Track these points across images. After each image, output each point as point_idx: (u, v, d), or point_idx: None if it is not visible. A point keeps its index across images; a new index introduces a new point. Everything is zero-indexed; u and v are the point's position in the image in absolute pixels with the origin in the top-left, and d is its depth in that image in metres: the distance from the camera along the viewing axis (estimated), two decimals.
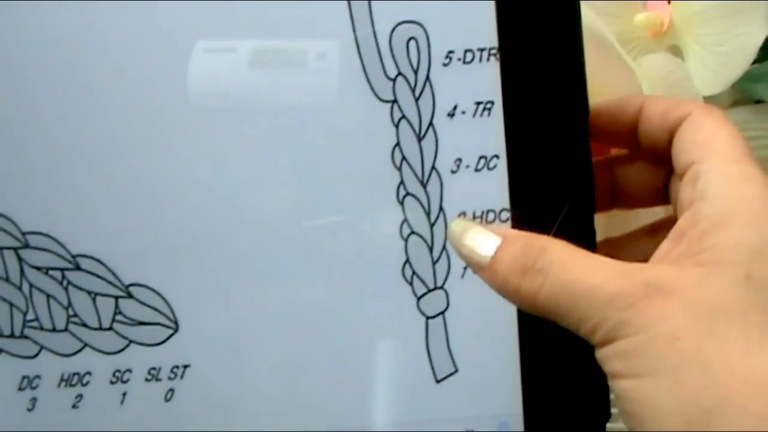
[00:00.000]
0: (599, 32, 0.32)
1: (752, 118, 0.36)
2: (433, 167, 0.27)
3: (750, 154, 0.24)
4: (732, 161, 0.23)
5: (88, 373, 0.28)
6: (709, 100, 0.34)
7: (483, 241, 0.24)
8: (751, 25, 0.33)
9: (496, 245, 0.23)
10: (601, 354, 0.22)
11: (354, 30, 0.26)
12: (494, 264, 0.23)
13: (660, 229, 0.30)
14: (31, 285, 0.28)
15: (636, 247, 0.30)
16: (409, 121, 0.26)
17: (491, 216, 0.27)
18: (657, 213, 0.31)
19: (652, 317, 0.21)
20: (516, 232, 0.24)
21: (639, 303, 0.21)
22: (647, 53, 0.35)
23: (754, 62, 0.34)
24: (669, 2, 0.36)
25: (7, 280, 0.28)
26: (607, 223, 0.31)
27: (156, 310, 0.27)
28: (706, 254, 0.22)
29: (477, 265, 0.24)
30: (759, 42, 0.33)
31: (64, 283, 0.27)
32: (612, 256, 0.27)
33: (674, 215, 0.30)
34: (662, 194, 0.29)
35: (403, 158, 0.27)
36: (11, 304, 0.28)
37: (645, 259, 0.30)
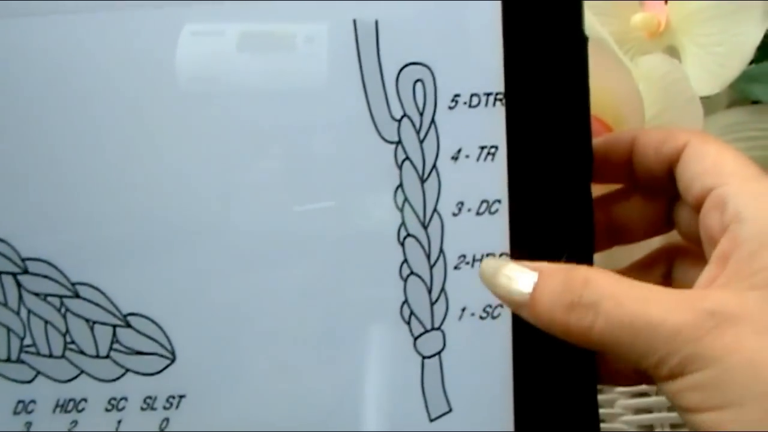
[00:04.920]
0: (596, 33, 0.32)
1: (749, 119, 0.36)
2: (435, 209, 0.27)
3: (760, 171, 0.24)
4: (753, 180, 0.24)
5: (84, 399, 0.28)
6: (706, 100, 0.34)
7: (518, 278, 0.23)
8: (748, 25, 0.33)
9: (533, 281, 0.23)
10: (670, 388, 0.22)
11: (361, 69, 0.26)
12: (535, 301, 0.23)
13: (655, 263, 0.30)
14: (29, 311, 0.28)
15: None
16: (412, 163, 0.27)
17: None
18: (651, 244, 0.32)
19: (725, 348, 0.21)
20: (552, 264, 0.23)
21: (708, 335, 0.21)
22: (644, 54, 0.35)
23: (751, 63, 0.34)
24: (666, 2, 0.36)
25: (5, 305, 0.28)
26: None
27: (153, 340, 0.27)
28: (761, 276, 0.22)
29: (516, 305, 0.23)
30: (756, 42, 0.33)
31: (63, 310, 0.27)
32: None
33: (672, 244, 0.30)
34: (662, 223, 0.29)
35: (405, 199, 0.27)
36: (8, 329, 0.28)
37: None
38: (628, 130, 0.32)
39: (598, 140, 0.28)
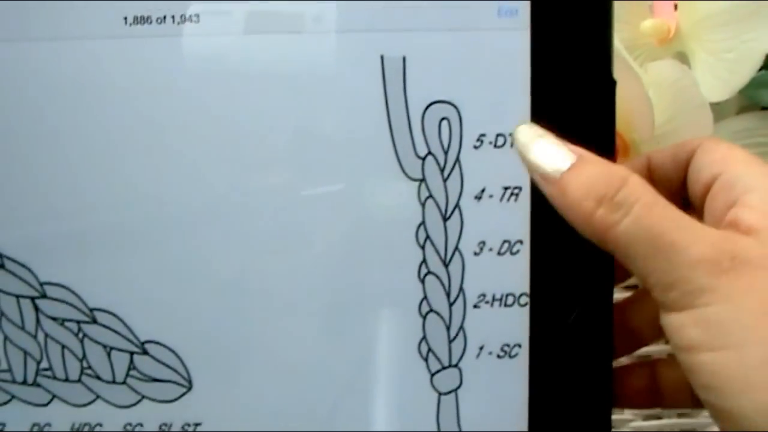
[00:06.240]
0: None
1: (759, 125, 0.36)
2: (456, 248, 0.27)
3: None
4: (759, 165, 0.24)
5: (99, 424, 0.28)
6: (716, 106, 0.34)
7: (555, 154, 0.23)
8: (758, 31, 0.33)
9: (570, 162, 0.23)
10: (674, 320, 0.21)
11: (387, 106, 0.26)
12: (566, 181, 0.22)
13: None
14: (46, 334, 0.28)
15: (645, 303, 0.30)
16: (435, 201, 0.26)
17: (510, 300, 0.27)
18: None
19: (740, 288, 0.21)
20: (594, 155, 0.23)
21: (726, 274, 0.21)
22: (654, 60, 0.35)
23: (761, 69, 0.34)
24: (676, 9, 0.36)
25: (22, 328, 0.28)
26: None
27: (170, 368, 0.27)
28: None
29: (544, 178, 0.23)
30: (766, 49, 0.33)
31: (80, 335, 0.27)
32: (621, 317, 0.27)
33: None
34: None
35: (427, 237, 0.27)
36: (25, 352, 0.28)
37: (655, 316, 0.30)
38: (640, 155, 0.32)
39: None
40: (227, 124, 0.27)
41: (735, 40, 0.33)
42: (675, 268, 0.21)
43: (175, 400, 0.28)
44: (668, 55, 0.36)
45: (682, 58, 0.36)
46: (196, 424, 0.28)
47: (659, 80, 0.34)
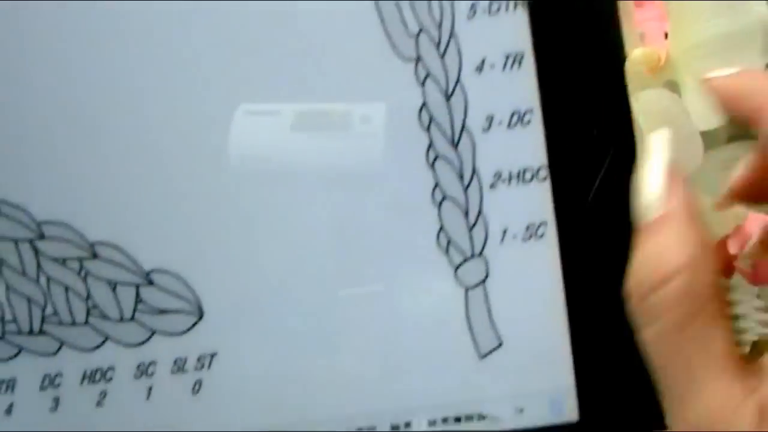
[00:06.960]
0: None
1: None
2: (463, 126, 0.25)
3: None
4: None
5: (111, 368, 0.26)
6: (706, 135, 0.33)
7: (654, 195, 0.20)
8: (748, 60, 0.32)
9: (655, 214, 0.20)
10: None
11: None
12: (642, 238, 0.19)
13: None
14: (48, 278, 0.26)
15: None
16: (435, 79, 0.25)
17: (528, 175, 0.25)
18: None
19: None
20: (683, 214, 0.20)
21: None
22: (644, 88, 0.35)
23: None
24: (666, 37, 0.35)
25: (23, 273, 0.26)
26: None
27: (179, 296, 0.26)
28: None
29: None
30: None
31: (83, 273, 0.26)
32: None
33: None
34: None
35: (431, 119, 0.25)
36: (29, 299, 0.26)
37: None
38: None
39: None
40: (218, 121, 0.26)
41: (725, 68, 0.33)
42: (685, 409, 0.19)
43: (187, 331, 0.26)
44: (659, 84, 0.36)
45: (673, 86, 0.35)
46: (212, 355, 0.26)
47: (649, 109, 0.33)
